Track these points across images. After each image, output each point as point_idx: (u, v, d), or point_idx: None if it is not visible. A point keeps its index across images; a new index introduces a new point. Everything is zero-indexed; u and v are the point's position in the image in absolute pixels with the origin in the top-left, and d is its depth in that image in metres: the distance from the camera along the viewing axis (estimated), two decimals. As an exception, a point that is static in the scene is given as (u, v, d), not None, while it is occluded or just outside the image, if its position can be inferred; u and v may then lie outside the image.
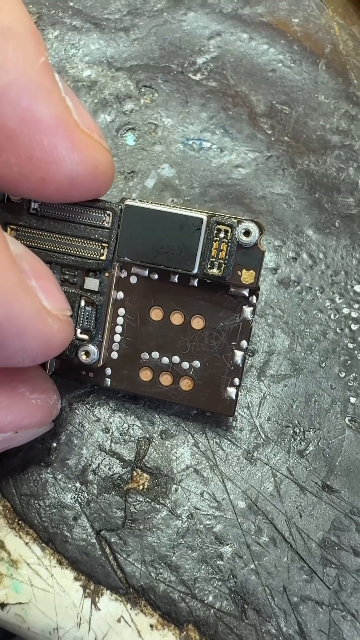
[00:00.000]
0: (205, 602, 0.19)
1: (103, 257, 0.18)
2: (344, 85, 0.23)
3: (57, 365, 0.19)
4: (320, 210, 0.21)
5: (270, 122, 0.22)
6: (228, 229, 0.17)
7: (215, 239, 0.17)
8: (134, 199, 0.17)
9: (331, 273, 0.21)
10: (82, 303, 0.18)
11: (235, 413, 0.20)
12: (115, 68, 0.22)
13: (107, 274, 0.18)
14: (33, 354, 0.15)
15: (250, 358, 0.20)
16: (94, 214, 0.17)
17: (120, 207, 0.17)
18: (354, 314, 0.20)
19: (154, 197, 0.21)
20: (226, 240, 0.17)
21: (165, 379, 0.19)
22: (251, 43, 0.23)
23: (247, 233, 0.17)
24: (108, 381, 0.19)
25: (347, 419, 0.20)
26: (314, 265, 0.21)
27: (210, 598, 0.19)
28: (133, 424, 0.20)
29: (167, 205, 0.17)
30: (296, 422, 0.20)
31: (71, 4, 0.23)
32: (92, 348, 0.18)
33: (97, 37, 0.23)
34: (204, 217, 0.17)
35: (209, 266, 0.17)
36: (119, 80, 0.22)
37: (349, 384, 0.20)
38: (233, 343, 0.18)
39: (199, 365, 0.18)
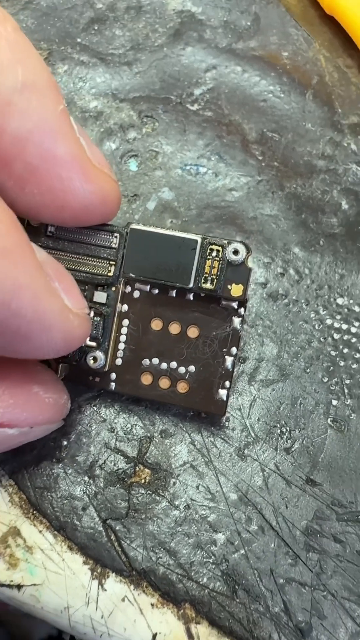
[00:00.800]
0: (200, 583, 0.22)
1: (110, 274, 0.21)
2: (330, 114, 0.26)
3: (67, 371, 0.23)
4: (306, 230, 0.25)
5: (261, 149, 0.26)
6: (219, 248, 0.21)
7: (208, 257, 0.21)
8: (138, 223, 0.21)
9: (316, 287, 0.25)
10: (92, 314, 0.22)
11: (228, 414, 0.23)
12: (119, 99, 0.26)
13: (114, 289, 0.22)
14: (56, 346, 0.18)
15: (241, 364, 0.24)
16: (103, 236, 0.21)
17: (126, 230, 0.21)
18: (336, 325, 0.24)
19: (154, 219, 0.25)
20: (218, 259, 0.21)
21: (164, 383, 0.22)
22: (244, 75, 0.27)
23: (235, 252, 0.21)
24: (113, 385, 0.22)
25: (329, 419, 0.24)
26: (300, 280, 0.25)
27: (205, 580, 0.22)
28: (136, 424, 0.24)
29: (167, 229, 0.21)
30: (283, 422, 0.24)
31: (79, 40, 0.27)
32: (99, 354, 0.22)
33: (103, 71, 0.27)
34: (199, 239, 0.21)
35: (202, 281, 0.21)
36: (123, 111, 0.26)
37: (331, 388, 0.24)
38: (224, 350, 0.22)
39: (194, 369, 0.22)
